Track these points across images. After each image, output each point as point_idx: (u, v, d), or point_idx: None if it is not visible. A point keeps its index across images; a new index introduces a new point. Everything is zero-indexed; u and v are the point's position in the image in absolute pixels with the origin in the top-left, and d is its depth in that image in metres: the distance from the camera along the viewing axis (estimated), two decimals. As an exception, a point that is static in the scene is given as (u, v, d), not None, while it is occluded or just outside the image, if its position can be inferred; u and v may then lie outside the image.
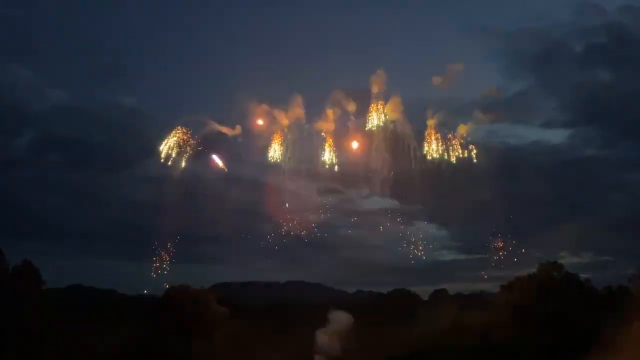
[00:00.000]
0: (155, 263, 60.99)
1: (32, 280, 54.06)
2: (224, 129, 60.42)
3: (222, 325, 60.82)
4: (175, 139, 60.69)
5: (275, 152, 61.04)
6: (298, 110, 60.70)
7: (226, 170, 62.39)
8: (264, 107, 60.90)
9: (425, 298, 75.88)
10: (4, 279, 53.15)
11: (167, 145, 60.94)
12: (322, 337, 60.44)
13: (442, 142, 60.35)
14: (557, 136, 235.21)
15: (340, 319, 61.56)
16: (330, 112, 60.18)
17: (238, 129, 60.06)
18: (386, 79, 60.92)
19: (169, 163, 60.83)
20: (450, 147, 60.13)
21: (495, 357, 50.47)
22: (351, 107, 60.11)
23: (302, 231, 61.99)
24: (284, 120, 60.68)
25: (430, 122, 61.38)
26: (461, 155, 60.65)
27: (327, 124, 61.17)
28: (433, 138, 60.15)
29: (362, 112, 61.02)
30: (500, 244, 65.13)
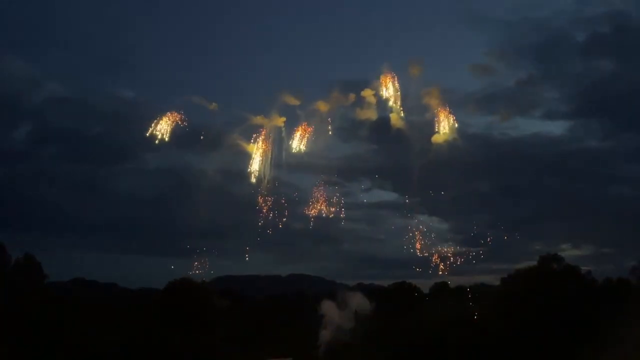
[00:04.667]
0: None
1: (34, 274, 54.26)
2: (261, 121, 59.43)
3: (223, 318, 61.10)
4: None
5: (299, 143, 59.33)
6: (338, 100, 59.68)
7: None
8: (300, 97, 59.95)
9: (426, 291, 76.05)
10: (5, 272, 53.35)
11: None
12: (332, 314, 59.91)
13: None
14: (558, 128, 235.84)
15: (358, 300, 61.05)
16: (369, 98, 59.09)
17: (278, 121, 58.94)
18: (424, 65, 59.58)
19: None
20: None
21: (495, 349, 50.59)
22: (390, 92, 58.99)
23: (304, 224, 61.81)
24: (323, 108, 59.57)
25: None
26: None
27: (368, 112, 60.47)
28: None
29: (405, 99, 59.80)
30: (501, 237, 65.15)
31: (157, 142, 57.00)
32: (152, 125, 57.40)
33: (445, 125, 56.97)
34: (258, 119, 59.20)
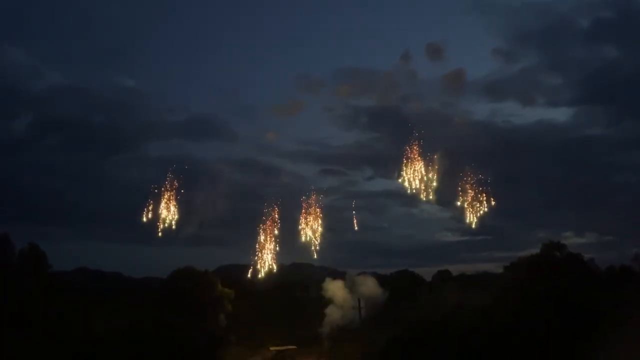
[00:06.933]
0: None
1: (39, 264, 54.54)
2: (278, 110, 59.19)
3: (227, 307, 61.44)
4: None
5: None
6: (352, 88, 59.15)
7: None
8: (318, 84, 59.36)
9: (429, 279, 76.30)
10: (10, 262, 53.62)
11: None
12: (339, 294, 59.69)
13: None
14: (561, 115, 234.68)
15: (369, 286, 60.74)
16: (386, 86, 58.44)
17: (297, 107, 58.17)
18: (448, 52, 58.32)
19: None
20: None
21: (497, 337, 50.71)
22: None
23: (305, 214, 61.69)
24: (341, 95, 59.28)
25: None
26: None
27: (384, 99, 59.93)
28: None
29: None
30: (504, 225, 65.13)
31: (160, 234, 49.70)
32: (149, 208, 49.62)
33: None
34: (276, 108, 58.87)
